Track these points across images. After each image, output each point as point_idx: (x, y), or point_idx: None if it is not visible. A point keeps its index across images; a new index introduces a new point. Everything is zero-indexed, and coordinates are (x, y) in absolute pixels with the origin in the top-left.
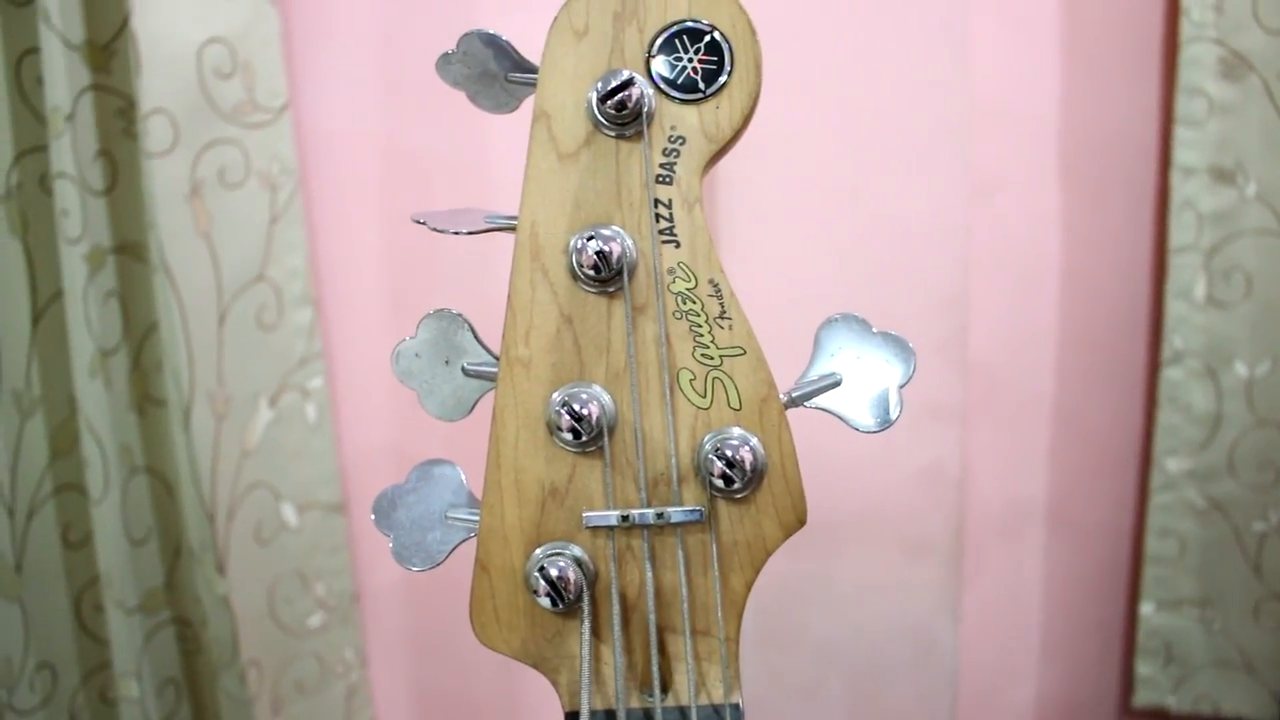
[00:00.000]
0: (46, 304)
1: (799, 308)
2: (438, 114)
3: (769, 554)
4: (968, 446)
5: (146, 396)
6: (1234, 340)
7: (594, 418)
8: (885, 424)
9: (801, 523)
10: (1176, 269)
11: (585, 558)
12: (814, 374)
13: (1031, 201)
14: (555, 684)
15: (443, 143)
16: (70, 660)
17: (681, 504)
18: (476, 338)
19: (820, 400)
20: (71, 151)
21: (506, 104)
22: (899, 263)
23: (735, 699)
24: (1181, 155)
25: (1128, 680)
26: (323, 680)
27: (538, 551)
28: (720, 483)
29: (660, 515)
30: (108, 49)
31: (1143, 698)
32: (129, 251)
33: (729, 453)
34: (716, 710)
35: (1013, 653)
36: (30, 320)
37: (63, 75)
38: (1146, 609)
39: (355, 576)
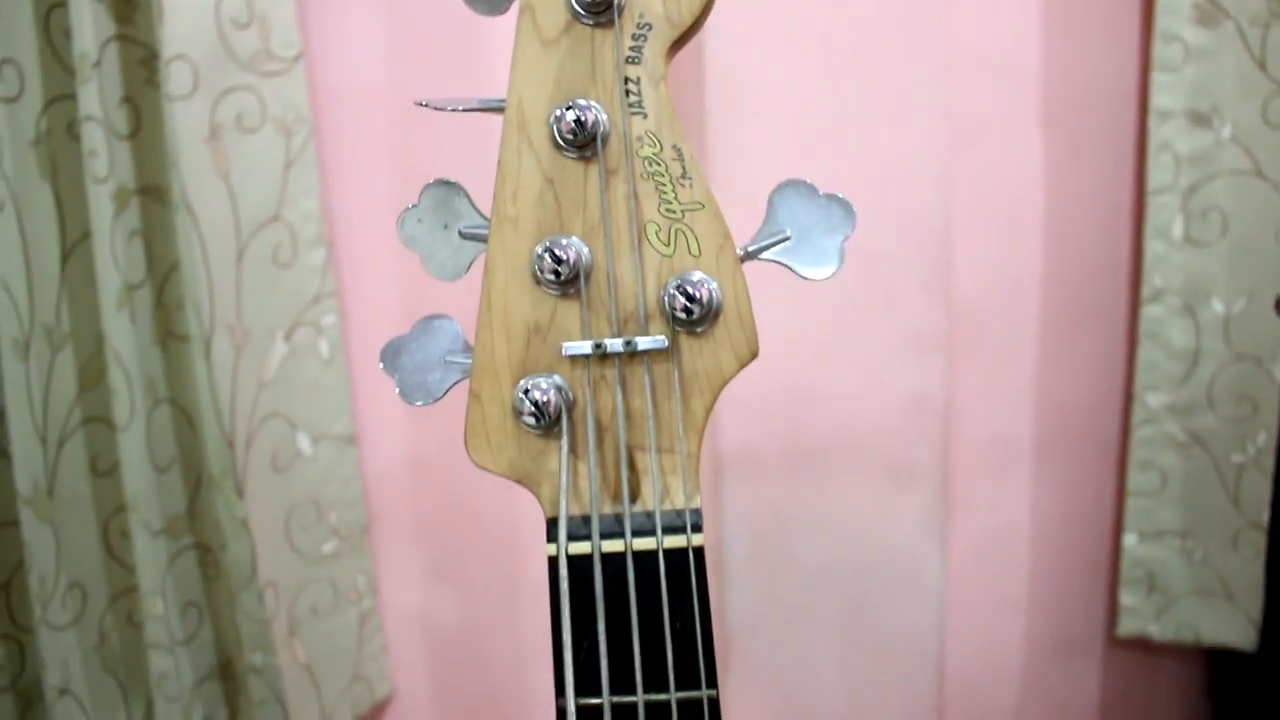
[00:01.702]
0: (74, 244)
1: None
2: (444, 68)
3: (725, 381)
4: (955, 385)
5: (169, 332)
6: (1211, 278)
7: (572, 260)
8: (829, 273)
9: (754, 354)
10: (1155, 209)
11: (564, 385)
12: (766, 232)
13: (1014, 148)
14: (538, 496)
15: (449, 95)
16: (99, 582)
17: (648, 335)
18: (472, 204)
19: (771, 254)
20: (98, 96)
21: (499, 6)
22: (881, 202)
23: (695, 504)
24: (1159, 99)
25: (1113, 611)
26: (336, 605)
27: (523, 381)
28: (682, 315)
29: (629, 344)
30: (131, 1)
31: (1126, 626)
32: (152, 194)
33: (689, 289)
34: (678, 514)
35: (1001, 587)
36: (60, 260)
37: (89, 26)
38: (1129, 540)
39: (367, 507)
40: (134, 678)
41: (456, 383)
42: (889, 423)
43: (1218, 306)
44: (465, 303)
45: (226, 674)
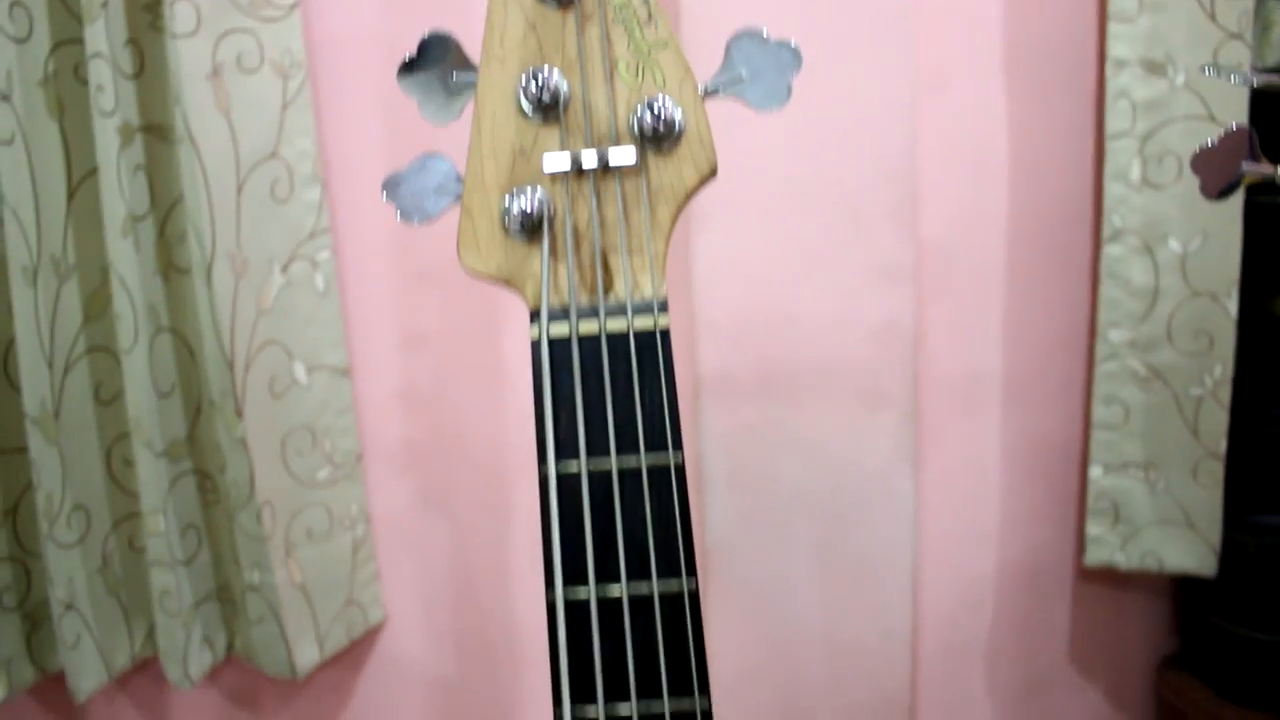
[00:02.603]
0: (80, 181)
1: (750, 173)
2: (435, 17)
3: (688, 192)
4: (925, 322)
5: (171, 265)
6: (1168, 218)
7: (552, 86)
8: (779, 107)
9: (713, 170)
10: (1113, 154)
11: (546, 198)
12: (724, 72)
13: (978, 95)
14: (523, 294)
15: None
16: (102, 506)
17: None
18: (463, 54)
19: (729, 91)
20: (105, 36)
21: None
22: (849, 137)
23: (662, 295)
24: (1115, 49)
25: (1081, 542)
26: (331, 531)
27: (509, 193)
28: (649, 134)
29: (602, 157)
30: None
31: (1093, 556)
32: (155, 132)
33: (655, 109)
34: (647, 302)
35: (972, 519)
36: (66, 195)
37: None
38: (1095, 472)
39: (360, 437)
40: (135, 599)
41: (449, 206)
42: (860, 349)
43: (1175, 246)
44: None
45: (224, 596)
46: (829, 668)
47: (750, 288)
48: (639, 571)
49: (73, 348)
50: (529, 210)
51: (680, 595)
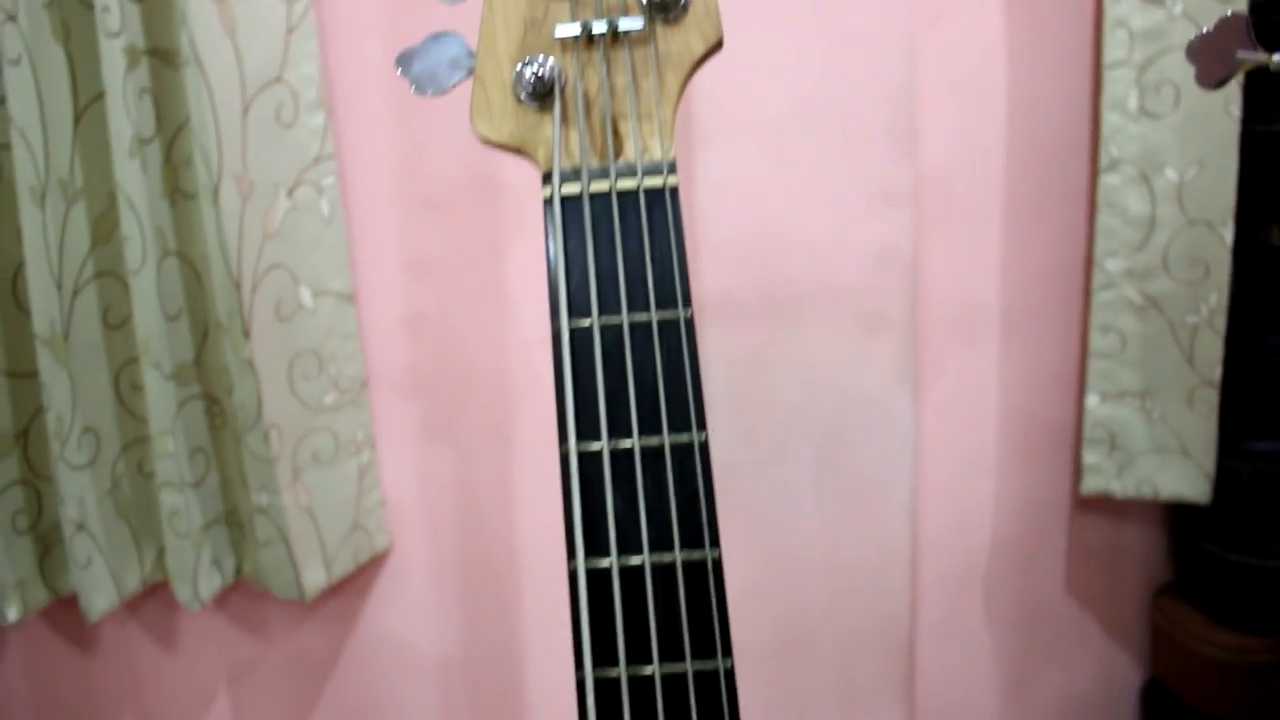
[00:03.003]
0: (87, 105)
1: (751, 97)
2: None
3: (695, 61)
4: (923, 252)
5: (177, 189)
6: (1164, 148)
7: None
8: None
9: (720, 42)
10: (1111, 83)
11: (557, 66)
12: None
13: (977, 26)
14: (535, 159)
15: None
16: (111, 431)
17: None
18: None
19: None
20: None
21: None
22: (848, 61)
23: (670, 157)
24: None
25: (1078, 471)
26: (337, 455)
27: (521, 62)
28: (657, 1)
29: (611, 24)
30: None
31: (1090, 484)
32: (160, 56)
33: None
34: (656, 164)
35: (971, 448)
36: (73, 119)
37: None
38: (1091, 401)
39: (365, 363)
40: (145, 523)
41: (462, 80)
42: (860, 273)
43: (1171, 175)
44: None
45: (233, 520)
46: (829, 589)
47: (751, 210)
48: (651, 426)
49: (81, 271)
50: (541, 76)
51: (690, 446)
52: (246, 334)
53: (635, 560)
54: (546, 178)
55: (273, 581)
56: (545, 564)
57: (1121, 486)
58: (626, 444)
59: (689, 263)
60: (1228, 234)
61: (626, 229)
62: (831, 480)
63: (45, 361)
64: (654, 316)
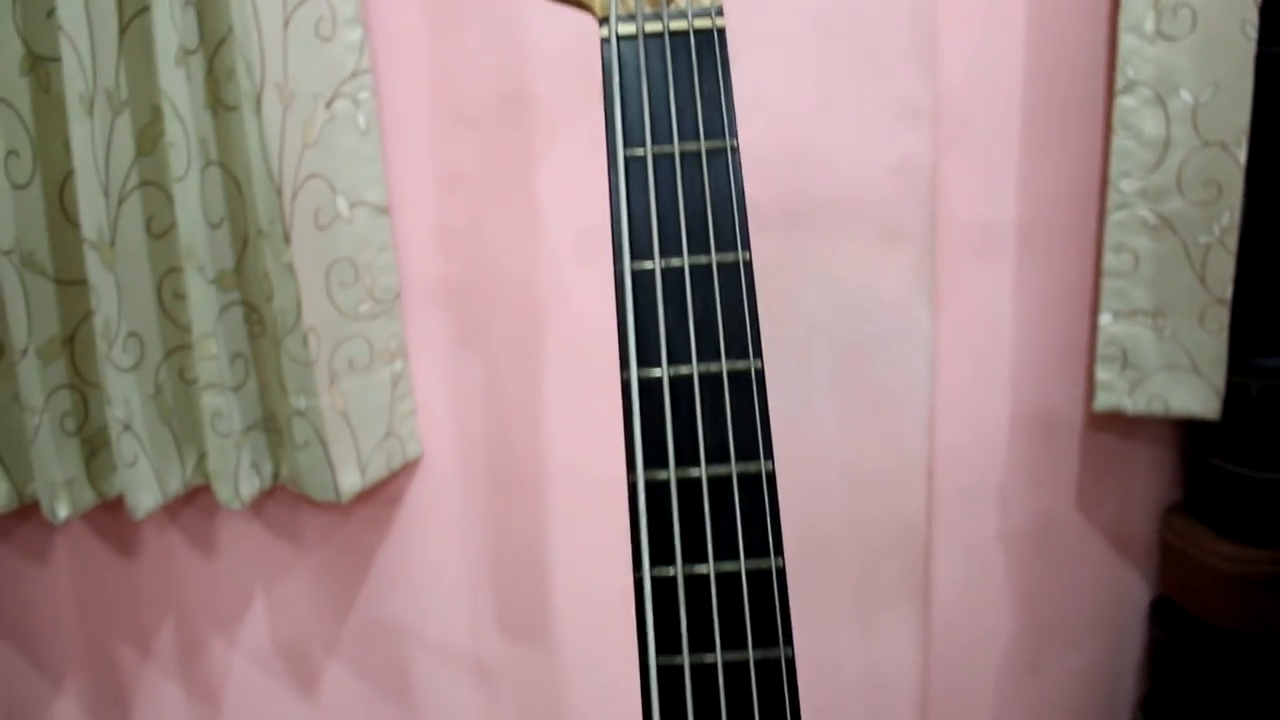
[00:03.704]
0: (133, 17)
1: (773, 7)
2: None
3: None
4: (942, 170)
5: (219, 101)
6: (1180, 70)
7: None
8: None
9: None
10: (1129, 5)
11: None
12: None
13: None
14: (591, 8)
15: None
16: (154, 337)
17: None
18: None
19: None
20: None
21: None
22: None
23: (719, 2)
24: None
25: (1091, 389)
26: (371, 363)
27: None
28: None
29: None
30: None
31: (1102, 401)
32: None
33: None
34: (705, 9)
35: (986, 364)
36: (118, 30)
37: None
38: (1105, 319)
39: (399, 274)
40: (187, 428)
41: None
42: (879, 186)
43: (1186, 97)
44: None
45: (271, 426)
46: (849, 496)
47: (773, 121)
48: (700, 246)
49: (126, 180)
50: None
51: (736, 265)
52: (287, 239)
53: (685, 369)
54: (603, 21)
55: (309, 484)
56: (573, 472)
57: (1133, 403)
58: (677, 262)
59: None
60: (1241, 155)
61: (678, 67)
62: (850, 388)
63: (93, 265)
64: (703, 145)
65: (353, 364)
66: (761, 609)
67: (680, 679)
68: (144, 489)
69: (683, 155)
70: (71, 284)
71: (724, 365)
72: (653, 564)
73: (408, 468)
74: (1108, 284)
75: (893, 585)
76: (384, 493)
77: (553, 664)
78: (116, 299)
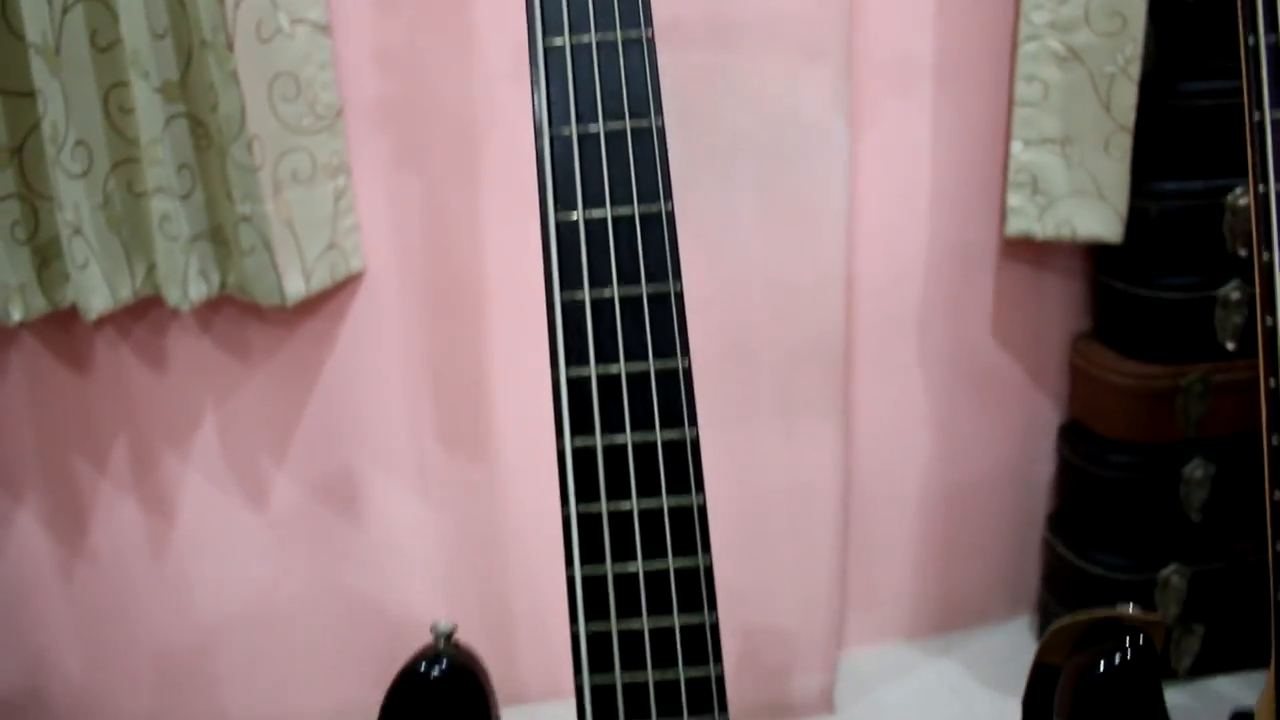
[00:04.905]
0: None
1: None
2: None
3: None
4: (863, 6)
5: None
6: None
7: None
8: None
9: None
10: None
11: None
12: None
13: None
14: None
15: None
16: (101, 148)
17: None
18: None
19: None
20: None
21: None
22: None
23: None
24: None
25: (1004, 218)
26: (314, 175)
27: None
28: None
29: None
30: None
31: (1013, 226)
32: None
33: None
34: None
35: (905, 196)
36: None
37: None
38: (1016, 147)
39: (341, 93)
40: (136, 239)
41: None
42: (800, 4)
43: None
44: None
45: (218, 238)
46: (770, 304)
47: None
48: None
49: None
50: None
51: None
52: (230, 47)
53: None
54: None
55: (256, 288)
56: (511, 289)
57: (1042, 228)
58: (594, 128)
59: None
60: None
61: None
62: (772, 199)
63: (39, 70)
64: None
65: (296, 175)
66: (669, 397)
67: (594, 461)
68: (95, 292)
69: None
70: (18, 95)
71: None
72: (569, 365)
73: (351, 283)
74: (1019, 113)
75: (813, 393)
76: (328, 308)
77: (491, 475)
78: (64, 106)
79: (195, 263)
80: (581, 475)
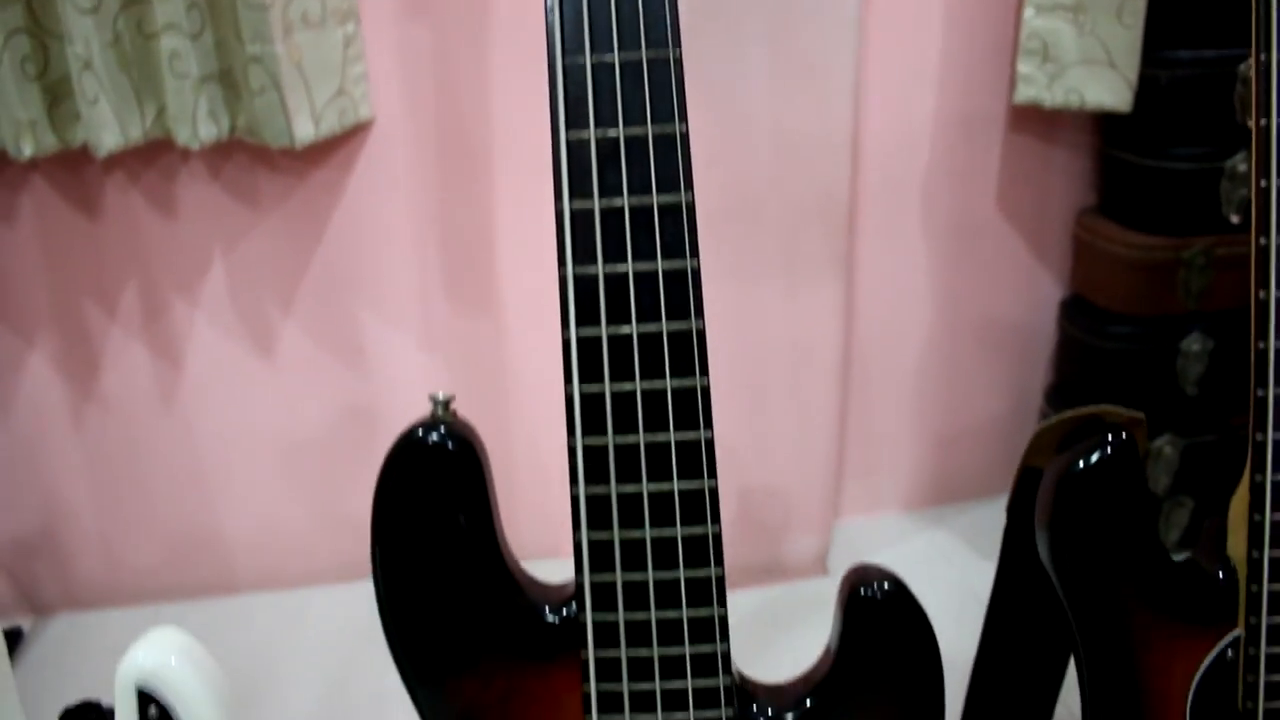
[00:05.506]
0: None
1: None
2: None
3: None
4: None
5: None
6: None
7: None
8: None
9: None
10: None
11: None
12: None
13: None
14: None
15: None
16: None
17: None
18: None
19: None
20: None
21: None
22: None
23: None
24: None
25: (1013, 86)
26: (325, 20)
27: None
28: None
29: None
30: None
31: (1022, 93)
32: None
33: None
34: None
35: (914, 63)
36: None
37: None
38: (1028, 13)
39: None
40: (146, 79)
41: None
42: None
43: None
44: None
45: (228, 81)
46: (776, 158)
47: None
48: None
49: None
50: None
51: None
52: None
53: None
54: None
55: (266, 130)
56: (520, 142)
57: (1051, 96)
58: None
59: None
60: None
61: None
62: (780, 54)
63: None
64: None
65: (306, 18)
66: (673, 232)
67: (595, 288)
68: (105, 128)
69: None
70: None
71: None
72: (572, 199)
73: (360, 132)
74: None
75: (817, 254)
76: (337, 157)
77: (495, 327)
78: None
79: (205, 103)
80: (582, 301)
